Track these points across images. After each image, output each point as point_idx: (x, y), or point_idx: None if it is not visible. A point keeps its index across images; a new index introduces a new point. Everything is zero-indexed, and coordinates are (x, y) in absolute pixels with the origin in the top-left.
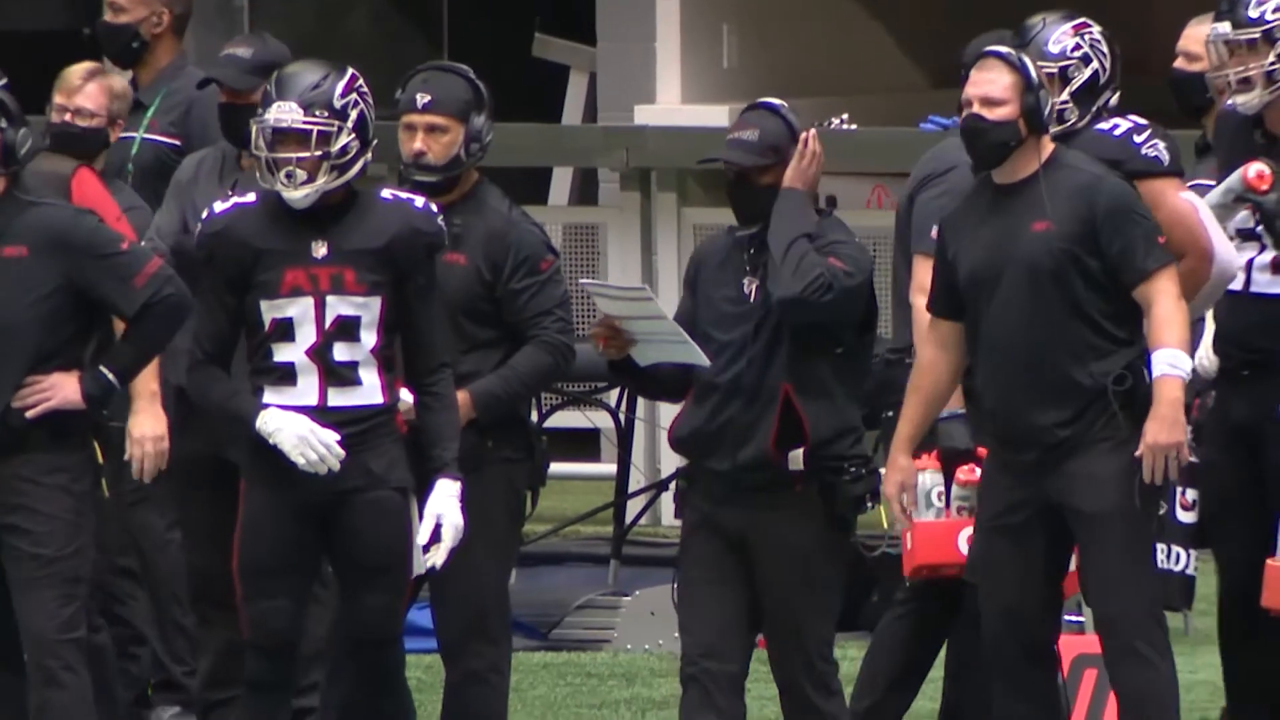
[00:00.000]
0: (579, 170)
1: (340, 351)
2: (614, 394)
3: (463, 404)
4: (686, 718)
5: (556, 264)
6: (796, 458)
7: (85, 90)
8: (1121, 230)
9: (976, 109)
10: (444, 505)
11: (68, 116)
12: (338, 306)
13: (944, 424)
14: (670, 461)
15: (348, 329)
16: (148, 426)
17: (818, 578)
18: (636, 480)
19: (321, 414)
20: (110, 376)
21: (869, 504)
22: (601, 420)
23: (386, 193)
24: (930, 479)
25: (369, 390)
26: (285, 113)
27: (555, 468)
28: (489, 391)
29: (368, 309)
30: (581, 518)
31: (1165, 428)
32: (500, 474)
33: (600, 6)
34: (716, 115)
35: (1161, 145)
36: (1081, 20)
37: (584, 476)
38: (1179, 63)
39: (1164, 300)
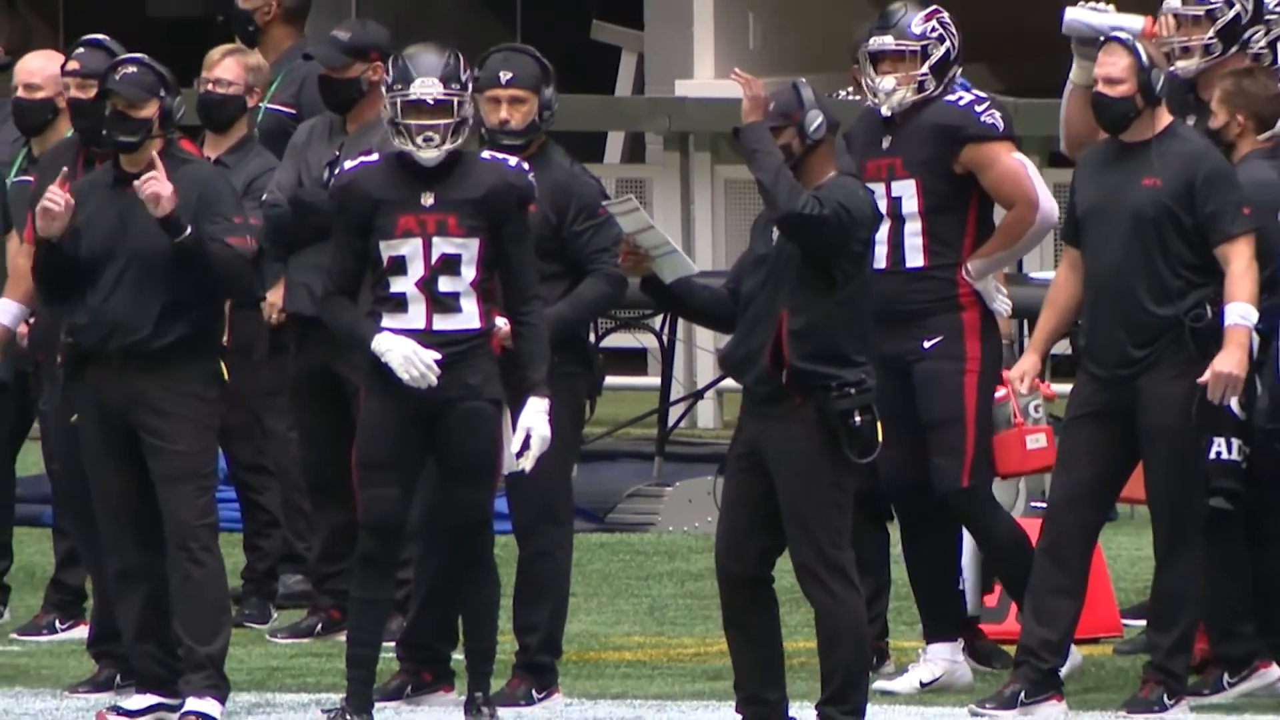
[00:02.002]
0: (629, 134)
1: (444, 284)
2: (659, 319)
3: None
4: (726, 616)
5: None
6: (784, 376)
7: (223, 64)
8: (1216, 196)
9: (1101, 87)
10: (534, 420)
11: (209, 87)
12: (442, 246)
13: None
14: (705, 375)
15: (451, 265)
16: None
17: (819, 477)
18: (677, 391)
19: (428, 335)
20: None
21: (857, 419)
22: (648, 341)
23: (485, 154)
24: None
25: (468, 316)
26: (430, 88)
27: (609, 380)
28: (560, 315)
29: (467, 248)
30: (631, 422)
31: (1232, 362)
32: (565, 385)
33: None
34: None
35: (997, 114)
36: (934, 7)
37: (633, 388)
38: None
39: (1239, 261)
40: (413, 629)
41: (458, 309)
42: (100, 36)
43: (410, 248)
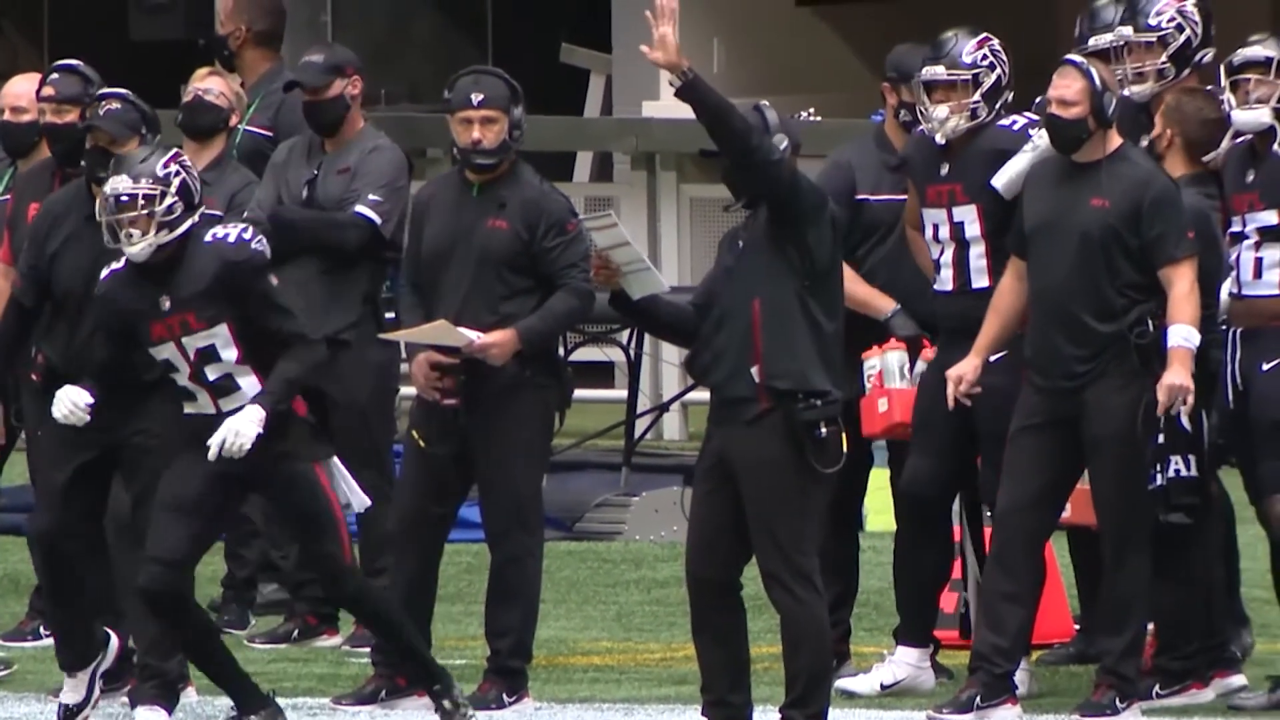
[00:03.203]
0: (597, 154)
1: (211, 372)
2: (625, 333)
3: (511, 339)
4: (695, 620)
5: (579, 226)
6: (754, 372)
7: (210, 79)
8: (1162, 219)
9: (1054, 109)
10: (240, 419)
11: (198, 94)
12: (193, 342)
13: (892, 318)
14: (670, 388)
15: (208, 355)
16: None
17: (785, 485)
18: (643, 403)
19: (222, 418)
20: None
21: (822, 429)
22: (615, 355)
23: (208, 235)
24: (897, 358)
25: (249, 389)
26: (121, 184)
27: (577, 393)
28: (532, 328)
29: (217, 335)
30: (599, 433)
31: (1180, 375)
32: (537, 398)
33: (615, 21)
34: None
35: None
36: (985, 35)
37: (601, 400)
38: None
39: (1182, 284)
40: None
41: (236, 387)
42: (74, 62)
43: (169, 350)
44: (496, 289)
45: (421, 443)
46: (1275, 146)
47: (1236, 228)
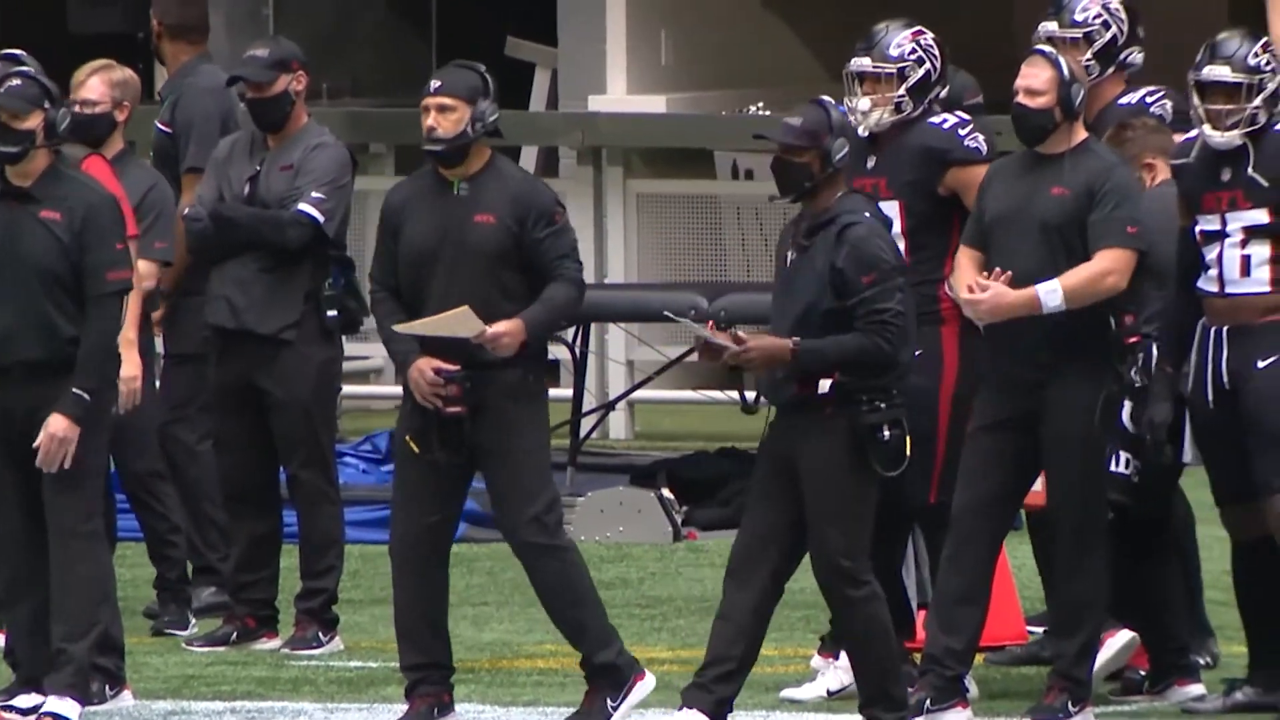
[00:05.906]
0: (543, 149)
1: None
2: (570, 331)
3: (519, 328)
4: (724, 608)
5: (565, 215)
6: (824, 384)
7: (87, 84)
8: (1108, 205)
9: (1021, 98)
10: None
11: (77, 107)
12: None
13: None
14: (616, 386)
15: None
16: (126, 370)
17: (842, 490)
18: (589, 402)
19: None
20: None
21: (886, 432)
22: (560, 353)
23: None
24: None
25: None
26: None
27: None
28: (536, 319)
29: None
30: None
31: (1004, 300)
32: (540, 403)
33: (560, 14)
34: (655, 104)
35: (980, 138)
36: (918, 28)
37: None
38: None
39: (1098, 263)
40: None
41: None
42: (17, 51)
43: None
44: (493, 290)
45: (415, 448)
46: (1249, 169)
47: (1212, 226)
